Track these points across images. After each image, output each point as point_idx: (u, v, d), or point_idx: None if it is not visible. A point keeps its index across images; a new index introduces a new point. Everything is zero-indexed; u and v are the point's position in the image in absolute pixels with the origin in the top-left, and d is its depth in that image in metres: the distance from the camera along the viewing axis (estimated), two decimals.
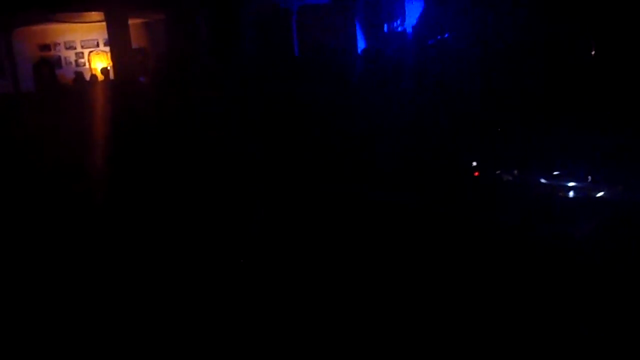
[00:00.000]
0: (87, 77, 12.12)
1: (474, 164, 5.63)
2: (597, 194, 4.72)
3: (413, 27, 10.50)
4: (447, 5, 7.64)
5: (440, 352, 3.02)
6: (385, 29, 11.93)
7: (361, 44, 11.87)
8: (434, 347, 3.06)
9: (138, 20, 12.57)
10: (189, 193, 5.54)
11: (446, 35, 7.31)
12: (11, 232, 4.81)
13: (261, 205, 5.21)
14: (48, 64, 11.39)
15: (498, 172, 5.39)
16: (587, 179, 4.88)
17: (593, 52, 5.48)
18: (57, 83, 11.39)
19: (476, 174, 5.60)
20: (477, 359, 2.97)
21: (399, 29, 11.57)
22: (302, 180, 5.76)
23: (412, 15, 11.19)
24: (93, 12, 11.38)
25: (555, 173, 5.00)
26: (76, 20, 12.06)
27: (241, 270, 4.03)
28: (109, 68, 11.93)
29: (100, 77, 11.95)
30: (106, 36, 11.38)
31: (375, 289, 3.65)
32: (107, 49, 11.82)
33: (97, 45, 12.91)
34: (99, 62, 12.77)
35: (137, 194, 5.62)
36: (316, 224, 4.75)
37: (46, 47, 12.58)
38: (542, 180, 4.99)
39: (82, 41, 12.83)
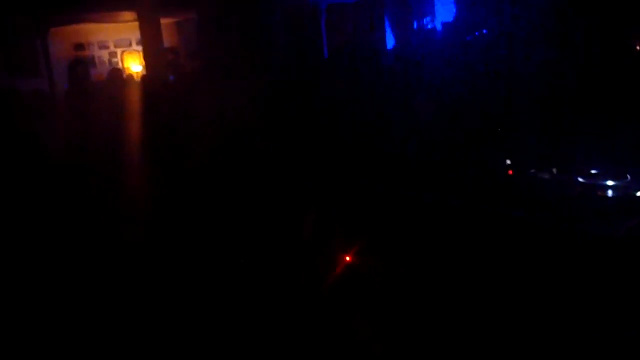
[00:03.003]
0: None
1: (508, 162, 5.58)
2: (636, 192, 4.64)
3: (443, 24, 10.42)
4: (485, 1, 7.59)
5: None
6: (415, 26, 11.86)
7: (391, 42, 11.82)
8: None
9: (170, 20, 12.73)
10: (226, 194, 5.59)
11: (484, 32, 7.25)
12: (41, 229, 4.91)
13: (308, 206, 5.22)
14: (83, 64, 11.58)
15: (533, 170, 5.33)
16: (626, 177, 4.80)
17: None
18: (91, 82, 11.54)
19: (510, 172, 5.55)
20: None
21: (429, 26, 11.50)
22: (339, 180, 5.76)
23: (441, 12, 11.11)
24: (126, 12, 11.57)
25: (592, 171, 4.93)
26: (109, 20, 12.25)
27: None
28: (141, 67, 12.10)
29: (136, 75, 12.08)
30: (139, 36, 11.57)
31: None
32: (140, 48, 12.00)
33: (130, 45, 13.08)
34: (132, 61, 12.94)
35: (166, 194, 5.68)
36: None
37: (80, 46, 12.80)
38: (580, 179, 4.92)
39: (115, 41, 13.02)
